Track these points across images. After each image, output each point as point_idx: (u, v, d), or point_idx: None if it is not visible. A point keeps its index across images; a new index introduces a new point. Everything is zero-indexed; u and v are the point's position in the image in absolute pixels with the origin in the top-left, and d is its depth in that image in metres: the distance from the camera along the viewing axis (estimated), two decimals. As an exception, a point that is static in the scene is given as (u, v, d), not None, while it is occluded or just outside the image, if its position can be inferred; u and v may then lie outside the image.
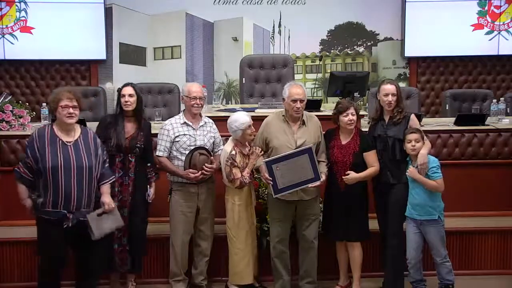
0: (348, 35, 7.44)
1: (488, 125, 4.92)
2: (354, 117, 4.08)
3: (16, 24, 6.93)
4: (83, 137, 3.64)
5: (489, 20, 7.24)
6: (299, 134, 4.08)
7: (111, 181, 3.76)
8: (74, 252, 3.71)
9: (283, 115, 4.12)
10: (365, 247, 4.26)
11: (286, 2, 7.32)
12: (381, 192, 4.18)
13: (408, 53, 7.35)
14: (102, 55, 7.11)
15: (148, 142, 4.14)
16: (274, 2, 7.32)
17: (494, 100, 5.25)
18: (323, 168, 4.09)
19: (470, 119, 4.98)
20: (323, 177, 4.03)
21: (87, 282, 3.80)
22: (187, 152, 4.11)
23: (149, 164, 4.15)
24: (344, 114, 4.07)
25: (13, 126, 4.72)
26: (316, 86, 7.48)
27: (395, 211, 4.11)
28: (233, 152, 4.06)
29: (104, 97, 5.89)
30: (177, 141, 4.15)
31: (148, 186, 4.14)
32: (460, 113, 5.26)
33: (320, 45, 7.42)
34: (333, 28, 7.39)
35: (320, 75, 7.44)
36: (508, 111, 5.35)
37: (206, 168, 4.06)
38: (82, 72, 7.19)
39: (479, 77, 7.40)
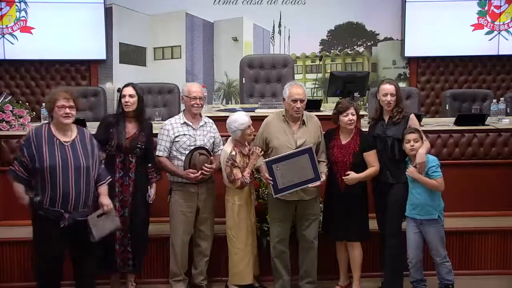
0: (348, 35, 7.44)
1: (488, 125, 4.92)
2: (354, 117, 4.08)
3: (16, 24, 6.93)
4: (80, 137, 3.64)
5: (489, 20, 7.24)
6: (299, 134, 4.08)
7: (107, 182, 3.76)
8: (71, 252, 3.70)
9: (283, 115, 4.12)
10: (365, 247, 4.26)
11: (286, 2, 7.32)
12: (381, 192, 4.18)
13: (408, 53, 7.35)
14: (102, 55, 7.11)
15: (149, 142, 4.14)
16: (274, 2, 7.32)
17: (494, 100, 5.25)
18: (323, 168, 4.09)
19: (470, 119, 4.98)
20: (323, 177, 4.03)
21: (85, 282, 3.80)
22: (187, 152, 4.11)
23: (150, 165, 4.15)
24: (344, 114, 4.07)
25: (13, 126, 4.72)
26: (316, 86, 7.48)
27: (394, 211, 4.11)
28: (233, 153, 4.06)
29: (104, 97, 5.89)
30: (177, 141, 4.15)
31: (149, 186, 4.14)
32: (460, 113, 5.26)
33: (320, 45, 7.42)
34: (333, 28, 7.39)
35: (320, 75, 7.44)
36: (508, 111, 5.35)
37: (206, 168, 4.06)
38: (82, 72, 7.19)
39: (479, 77, 7.40)
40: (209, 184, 4.23)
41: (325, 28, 7.38)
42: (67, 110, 3.55)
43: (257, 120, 4.26)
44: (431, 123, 5.12)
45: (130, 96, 4.05)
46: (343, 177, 4.05)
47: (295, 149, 4.02)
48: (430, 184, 3.97)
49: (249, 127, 4.09)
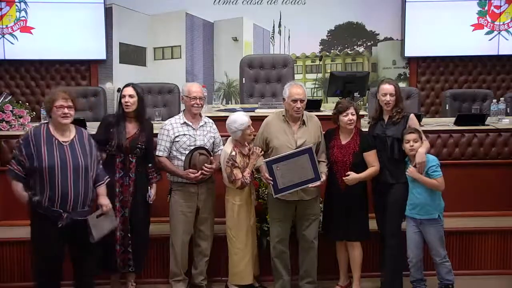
0: (348, 35, 7.44)
1: (488, 125, 4.92)
2: (354, 117, 4.08)
3: (16, 24, 6.93)
4: (78, 137, 3.64)
5: (489, 20, 7.24)
6: (299, 134, 4.08)
7: (106, 182, 3.77)
8: (70, 251, 3.70)
9: (283, 115, 4.12)
10: (365, 247, 4.26)
11: (286, 2, 7.32)
12: (380, 191, 4.18)
13: (408, 53, 7.35)
14: (102, 55, 7.11)
15: (149, 142, 4.13)
16: (274, 2, 7.32)
17: (494, 100, 5.25)
18: (323, 168, 4.09)
19: (470, 119, 4.98)
20: (323, 177, 4.03)
21: (85, 282, 3.80)
22: (187, 152, 4.11)
23: (150, 165, 4.15)
24: (344, 114, 4.07)
25: (13, 126, 4.72)
26: (316, 86, 7.48)
27: (394, 211, 4.11)
28: (233, 153, 4.06)
29: (104, 97, 5.89)
30: (177, 141, 4.15)
31: (149, 187, 4.14)
32: (460, 113, 5.26)
33: (320, 45, 7.42)
34: (333, 28, 7.39)
35: (320, 75, 7.44)
36: (508, 111, 5.35)
37: (205, 169, 4.06)
38: (82, 72, 7.19)
39: (479, 77, 7.40)
40: (209, 184, 4.23)
41: (325, 28, 7.38)
42: (66, 110, 3.54)
43: (257, 120, 4.26)
44: (431, 123, 5.12)
45: (130, 96, 4.05)
46: (343, 178, 4.05)
47: (295, 149, 4.02)
48: (430, 183, 3.98)
49: (249, 127, 4.09)
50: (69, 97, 3.58)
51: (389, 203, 4.12)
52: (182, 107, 4.44)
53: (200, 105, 4.20)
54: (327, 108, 4.90)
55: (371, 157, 4.10)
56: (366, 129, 4.36)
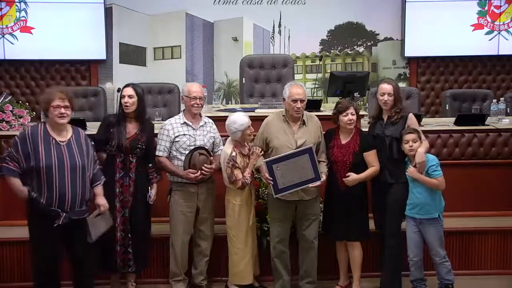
0: (348, 35, 7.44)
1: (488, 125, 4.92)
2: (354, 117, 4.08)
3: (16, 24, 6.93)
4: (75, 137, 3.64)
5: (489, 20, 7.24)
6: (300, 134, 4.08)
7: (102, 182, 3.78)
8: (69, 251, 3.70)
9: (283, 115, 4.12)
10: (365, 247, 4.26)
11: (286, 2, 7.32)
12: (380, 191, 4.18)
13: (408, 53, 7.35)
14: (102, 55, 7.11)
15: (150, 142, 4.13)
16: (274, 2, 7.32)
17: (494, 100, 5.25)
18: (323, 168, 4.09)
19: (470, 119, 4.98)
20: (323, 177, 4.03)
21: (85, 282, 3.80)
22: (186, 152, 4.11)
23: (150, 165, 4.15)
24: (344, 114, 4.07)
25: (13, 126, 4.72)
26: (316, 86, 7.48)
27: (393, 210, 4.11)
28: (233, 154, 4.06)
29: (104, 97, 5.89)
30: (177, 141, 4.15)
31: (149, 187, 4.14)
32: (460, 113, 5.26)
33: (320, 45, 7.42)
34: (333, 28, 7.39)
35: (320, 75, 7.44)
36: (508, 111, 5.35)
37: (205, 169, 4.06)
38: (82, 72, 7.19)
39: (479, 77, 7.41)
40: (209, 184, 4.23)
41: (325, 28, 7.38)
42: (62, 110, 3.54)
43: (257, 120, 4.26)
44: (431, 123, 5.12)
45: (129, 97, 4.05)
46: (343, 179, 4.05)
47: (295, 149, 4.02)
48: (430, 183, 3.98)
49: (249, 128, 4.09)
50: (66, 97, 3.57)
51: (388, 203, 4.12)
52: (182, 107, 4.44)
53: (200, 105, 4.20)
54: (327, 108, 4.90)
55: (371, 157, 4.10)
56: (366, 129, 4.36)
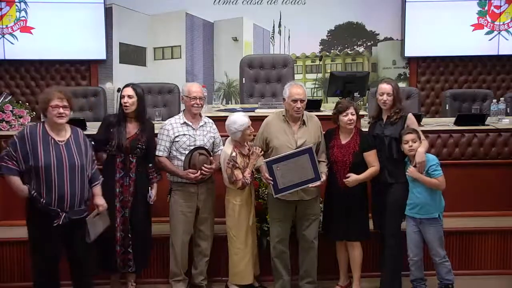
0: (348, 35, 7.44)
1: (488, 125, 4.92)
2: (354, 117, 4.08)
3: (16, 24, 6.93)
4: (74, 136, 3.65)
5: (489, 20, 7.24)
6: (300, 134, 4.08)
7: (100, 182, 3.79)
8: (68, 251, 3.70)
9: (283, 115, 4.12)
10: (365, 247, 4.26)
11: (286, 2, 7.32)
12: (379, 191, 4.18)
13: (408, 53, 7.35)
14: (102, 55, 7.11)
15: (150, 143, 4.13)
16: (274, 2, 7.32)
17: (494, 100, 5.25)
18: (323, 168, 4.09)
19: (470, 119, 4.98)
20: (323, 177, 4.03)
21: (85, 282, 3.80)
22: (186, 152, 4.11)
23: (150, 165, 4.15)
24: (344, 114, 4.08)
25: (13, 126, 4.72)
26: (316, 86, 7.48)
27: (393, 210, 4.11)
28: (234, 154, 4.06)
29: (104, 97, 5.89)
30: (177, 141, 4.15)
31: (150, 187, 4.14)
32: (460, 113, 5.26)
33: (320, 45, 7.42)
34: (333, 28, 7.39)
35: (320, 75, 7.44)
36: (508, 111, 5.35)
37: (205, 169, 4.06)
38: (82, 72, 7.19)
39: (479, 77, 7.41)
40: (209, 184, 4.23)
41: (325, 28, 7.38)
42: (61, 110, 3.55)
43: (257, 120, 4.26)
44: (431, 123, 5.12)
45: (129, 97, 4.05)
46: (343, 180, 4.04)
47: (295, 149, 4.02)
48: (431, 183, 3.98)
49: (249, 128, 4.09)
50: (64, 96, 3.58)
51: (388, 203, 4.12)
52: (182, 107, 4.44)
53: (200, 105, 4.20)
54: (327, 108, 4.90)
55: (371, 157, 4.10)
56: (366, 129, 4.36)
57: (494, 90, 7.00)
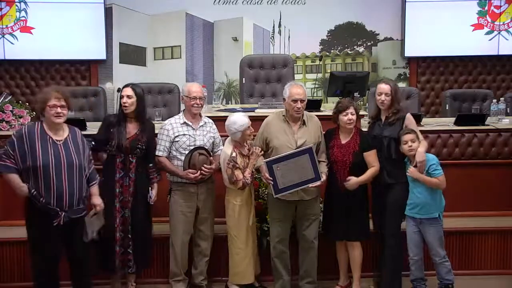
0: (348, 35, 7.44)
1: (488, 125, 4.92)
2: (354, 117, 4.08)
3: (16, 24, 6.93)
4: (72, 136, 3.65)
5: (489, 20, 7.24)
6: (300, 134, 4.08)
7: (97, 182, 3.80)
8: (67, 251, 3.70)
9: (283, 115, 4.12)
10: (365, 247, 4.27)
11: (286, 2, 7.32)
12: (379, 192, 4.18)
13: (408, 53, 7.35)
14: (102, 55, 7.11)
15: (150, 143, 4.13)
16: (274, 2, 7.32)
17: (494, 100, 5.24)
18: (323, 168, 4.09)
19: (470, 119, 4.98)
20: (323, 177, 4.03)
21: (84, 282, 3.80)
22: (186, 152, 4.11)
23: (151, 165, 4.15)
24: (344, 114, 4.08)
25: (13, 126, 4.72)
26: (316, 86, 7.48)
27: (393, 210, 4.11)
28: (234, 154, 4.05)
29: (104, 97, 5.88)
30: (177, 141, 4.15)
31: (150, 188, 4.13)
32: (460, 113, 5.26)
33: (320, 45, 7.42)
34: (333, 28, 7.39)
35: (320, 75, 7.44)
36: (508, 111, 5.34)
37: (204, 169, 4.06)
38: (82, 72, 7.19)
39: (479, 77, 7.40)
40: (208, 184, 4.23)
41: (325, 28, 7.38)
42: (59, 110, 3.55)
43: (257, 120, 4.26)
44: (431, 123, 5.12)
45: (128, 97, 4.04)
46: (344, 183, 4.04)
47: (296, 149, 4.02)
48: (431, 182, 3.98)
49: (249, 128, 4.09)
50: (62, 96, 3.58)
51: (388, 203, 4.12)
52: (182, 107, 4.44)
53: (200, 105, 4.20)
54: (327, 108, 4.90)
55: (371, 157, 4.10)
56: (366, 129, 4.36)
57: (494, 90, 7.00)
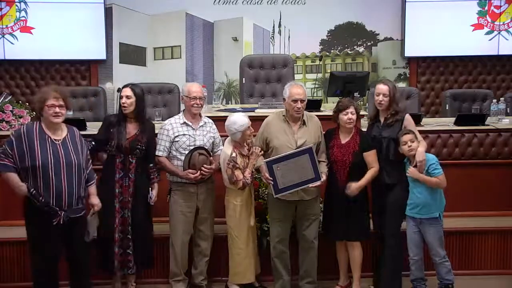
0: (348, 35, 7.44)
1: (488, 125, 4.92)
2: (354, 116, 4.08)
3: (16, 24, 6.93)
4: (70, 135, 3.65)
5: (489, 20, 7.24)
6: (300, 134, 4.08)
7: (95, 181, 3.81)
8: (66, 251, 3.70)
9: (283, 115, 4.12)
10: (365, 247, 4.26)
11: (286, 2, 7.32)
12: (379, 192, 4.18)
13: (408, 53, 7.35)
14: (102, 55, 7.11)
15: (150, 143, 4.13)
16: (274, 2, 7.32)
17: (494, 100, 5.24)
18: (323, 168, 4.09)
19: (470, 119, 4.98)
20: (323, 177, 4.03)
21: (84, 282, 3.80)
22: (186, 152, 4.11)
23: (151, 165, 4.15)
24: (344, 113, 4.07)
25: (13, 126, 4.71)
26: (316, 86, 7.48)
27: (393, 210, 4.11)
28: (234, 154, 4.05)
29: (104, 97, 5.88)
30: (177, 141, 4.15)
31: (150, 188, 4.13)
32: (460, 113, 5.26)
33: (320, 45, 7.42)
34: (333, 28, 7.39)
35: (320, 75, 7.44)
36: (508, 111, 5.34)
37: (204, 169, 4.06)
38: (82, 72, 7.19)
39: (479, 77, 7.40)
40: (208, 184, 4.23)
41: (325, 28, 7.38)
42: (57, 109, 3.55)
43: (257, 120, 4.26)
44: (431, 123, 5.12)
45: (127, 97, 4.04)
46: (346, 192, 4.03)
47: (296, 149, 4.02)
48: (432, 182, 3.98)
49: (249, 128, 4.09)
50: (60, 96, 3.58)
51: (388, 203, 4.12)
52: (182, 107, 4.44)
53: (200, 105, 4.20)
54: (327, 108, 4.90)
55: (371, 157, 4.10)
56: (365, 129, 4.36)
57: (494, 90, 7.00)
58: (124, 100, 4.03)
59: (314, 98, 6.61)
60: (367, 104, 5.94)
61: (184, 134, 4.16)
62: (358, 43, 7.46)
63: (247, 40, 7.42)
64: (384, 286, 4.24)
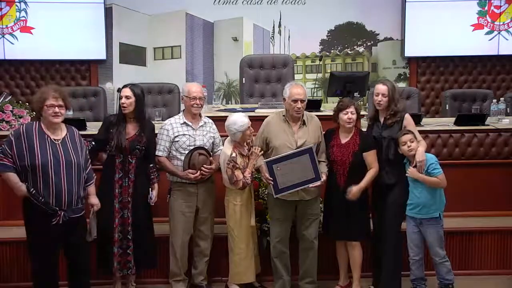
0: (348, 35, 7.45)
1: (488, 125, 4.92)
2: (354, 116, 4.08)
3: (16, 24, 6.94)
4: (70, 135, 3.65)
5: (489, 20, 7.25)
6: (300, 134, 4.08)
7: (94, 181, 3.81)
8: (66, 250, 3.70)
9: (283, 115, 4.12)
10: (365, 247, 4.26)
11: (286, 2, 7.32)
12: (379, 193, 4.17)
13: (408, 53, 7.35)
14: (102, 55, 7.11)
15: (150, 143, 4.12)
16: (274, 2, 7.33)
17: (494, 100, 5.25)
18: (323, 168, 4.09)
19: (470, 119, 4.98)
20: (323, 177, 4.03)
21: (84, 282, 3.81)
22: (186, 152, 4.11)
23: (151, 165, 4.15)
24: (344, 112, 4.07)
25: (13, 126, 4.72)
26: (316, 86, 7.48)
27: (393, 211, 4.11)
28: (234, 155, 4.05)
29: (104, 97, 5.88)
30: (177, 141, 4.15)
31: (150, 189, 4.13)
32: (460, 113, 5.26)
33: (320, 45, 7.43)
34: (333, 28, 7.40)
35: (320, 75, 7.44)
36: (508, 111, 5.35)
37: (204, 169, 4.06)
38: (82, 72, 7.19)
39: (479, 77, 7.41)
40: (208, 184, 4.23)
41: (325, 28, 7.39)
42: (56, 110, 3.55)
43: (257, 120, 4.26)
44: (431, 123, 5.12)
45: (127, 97, 4.03)
46: (347, 197, 4.03)
47: (296, 149, 4.02)
48: (432, 182, 3.98)
49: (249, 128, 4.09)
50: (59, 96, 3.58)
51: (388, 203, 4.11)
52: (182, 107, 4.43)
53: (200, 105, 4.20)
54: (327, 108, 4.90)
55: (370, 157, 4.09)
56: (365, 129, 4.36)
57: (494, 90, 7.00)
58: (123, 100, 4.03)
59: (314, 98, 6.61)
60: (367, 104, 5.94)
61: (184, 134, 4.16)
62: (358, 43, 7.47)
63: (247, 40, 7.42)
64: (384, 286, 4.24)
